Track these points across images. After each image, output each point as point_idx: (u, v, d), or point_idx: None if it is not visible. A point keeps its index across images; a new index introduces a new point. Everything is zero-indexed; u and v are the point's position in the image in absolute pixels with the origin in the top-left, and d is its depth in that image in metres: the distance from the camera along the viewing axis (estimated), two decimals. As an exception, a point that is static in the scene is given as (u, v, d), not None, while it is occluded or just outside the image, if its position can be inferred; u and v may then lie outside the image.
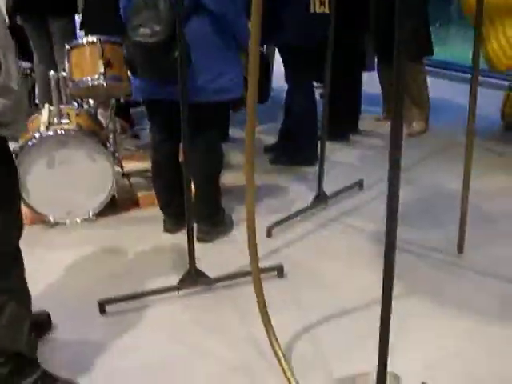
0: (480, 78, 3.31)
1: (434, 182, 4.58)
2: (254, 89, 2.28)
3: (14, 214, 2.38)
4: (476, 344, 2.86)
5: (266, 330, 2.66)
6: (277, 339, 2.66)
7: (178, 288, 3.20)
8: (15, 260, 2.41)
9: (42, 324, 2.93)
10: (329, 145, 4.32)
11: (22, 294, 2.45)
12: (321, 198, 4.17)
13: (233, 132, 5.47)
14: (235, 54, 3.57)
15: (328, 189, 4.22)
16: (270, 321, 2.66)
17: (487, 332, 2.94)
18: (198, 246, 3.21)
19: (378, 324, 1.96)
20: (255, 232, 2.57)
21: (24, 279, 2.46)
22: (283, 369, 2.58)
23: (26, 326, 2.43)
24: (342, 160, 5.00)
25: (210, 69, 3.39)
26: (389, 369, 2.06)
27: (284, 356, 2.63)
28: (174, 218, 3.88)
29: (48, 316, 2.99)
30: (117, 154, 4.29)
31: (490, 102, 5.47)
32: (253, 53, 2.22)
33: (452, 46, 9.52)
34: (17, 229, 2.40)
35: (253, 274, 2.63)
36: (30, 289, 2.48)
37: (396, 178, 1.76)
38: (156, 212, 4.01)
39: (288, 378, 2.54)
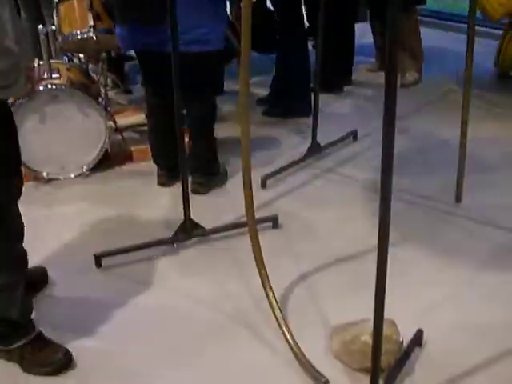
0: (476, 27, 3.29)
1: (429, 131, 4.57)
2: (248, 40, 2.25)
3: (7, 179, 2.28)
4: (473, 290, 2.88)
5: (262, 281, 2.67)
6: (272, 289, 2.67)
7: (173, 240, 3.21)
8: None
9: (38, 280, 2.93)
10: (322, 96, 4.29)
11: (13, 258, 2.39)
12: (314, 149, 4.16)
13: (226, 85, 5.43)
14: (217, 8, 3.49)
15: (322, 140, 4.21)
16: (265, 272, 2.67)
17: (484, 279, 2.96)
18: (192, 198, 3.21)
19: (373, 272, 1.97)
20: (251, 182, 2.57)
21: (14, 239, 2.40)
22: (277, 319, 2.60)
23: (18, 292, 2.41)
24: (335, 111, 4.98)
25: (184, 20, 3.27)
26: (385, 315, 2.08)
27: (279, 307, 2.64)
28: (169, 171, 3.88)
29: (44, 271, 2.99)
30: (109, 109, 4.26)
31: (483, 50, 5.42)
32: (245, 3, 2.20)
33: (445, -4, 9.42)
34: (9, 194, 2.31)
35: (248, 225, 2.63)
36: (24, 246, 2.46)
37: (391, 131, 1.75)
38: (150, 166, 4.00)
39: (281, 328, 2.57)
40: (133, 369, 2.49)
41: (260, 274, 2.66)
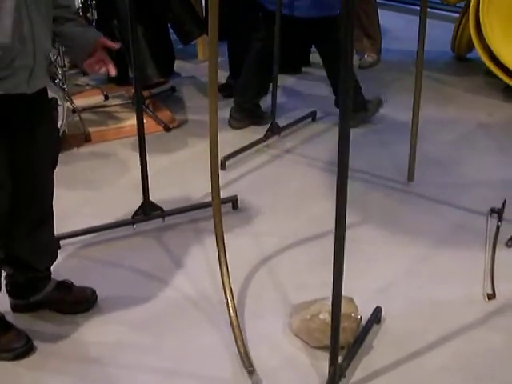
0: (431, 11, 3.32)
1: (386, 112, 4.60)
2: (215, 22, 2.25)
3: None
4: (430, 267, 2.94)
5: (220, 265, 2.65)
6: (228, 272, 2.64)
7: (132, 221, 3.20)
8: None
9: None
10: (281, 77, 4.30)
11: None
12: (274, 130, 4.16)
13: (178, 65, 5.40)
14: None
15: (281, 121, 4.22)
16: (225, 255, 2.65)
17: (440, 255, 3.02)
18: (152, 179, 3.20)
19: (332, 251, 1.99)
20: (217, 162, 2.56)
21: None
22: (227, 304, 2.58)
23: None
24: (294, 92, 4.98)
25: None
26: (344, 294, 2.10)
27: (231, 289, 2.61)
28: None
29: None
30: (66, 90, 4.21)
31: (441, 34, 5.48)
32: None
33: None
34: None
35: (213, 206, 2.62)
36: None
37: (347, 111, 1.77)
38: (108, 147, 3.98)
39: (228, 313, 2.55)
40: (93, 354, 2.49)
41: (218, 256, 2.65)
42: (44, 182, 2.46)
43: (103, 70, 2.46)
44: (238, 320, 2.52)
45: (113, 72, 2.43)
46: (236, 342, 2.45)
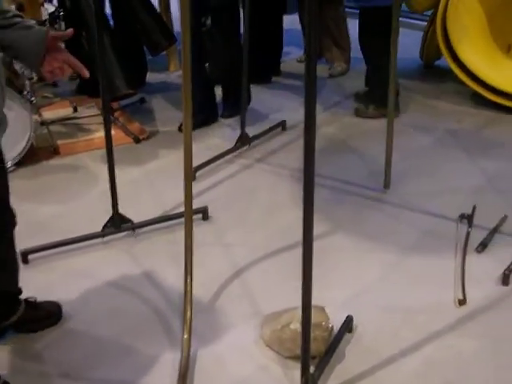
0: (400, 19, 3.34)
1: (358, 120, 4.63)
2: (187, 31, 2.24)
3: None
4: (400, 275, 2.94)
5: (185, 274, 2.61)
6: (192, 284, 2.60)
7: (101, 234, 3.17)
8: None
9: None
10: (251, 87, 4.30)
11: None
12: (244, 140, 4.16)
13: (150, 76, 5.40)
14: None
15: (251, 131, 4.22)
16: (191, 264, 2.62)
17: (411, 263, 3.02)
18: (122, 191, 3.17)
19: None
20: (191, 172, 2.53)
21: None
22: (185, 319, 2.54)
23: None
24: (264, 102, 4.98)
25: None
26: (315, 303, 2.09)
27: (191, 304, 2.57)
28: None
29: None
30: (34, 102, 4.18)
31: (409, 42, 5.52)
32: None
33: (371, -13, 9.50)
34: None
35: (185, 216, 2.59)
36: None
37: (312, 118, 1.76)
38: (78, 160, 3.96)
39: (184, 336, 2.50)
40: (60, 370, 2.45)
41: (185, 266, 2.61)
42: None
43: (67, 73, 2.09)
44: (190, 337, 2.49)
45: (85, 73, 2.09)
46: (180, 360, 2.41)
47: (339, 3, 5.51)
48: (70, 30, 2.09)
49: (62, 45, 2.15)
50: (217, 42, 4.41)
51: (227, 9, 4.37)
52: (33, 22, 2.11)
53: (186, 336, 2.48)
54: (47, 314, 2.65)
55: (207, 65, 4.62)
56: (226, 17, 4.41)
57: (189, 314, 2.54)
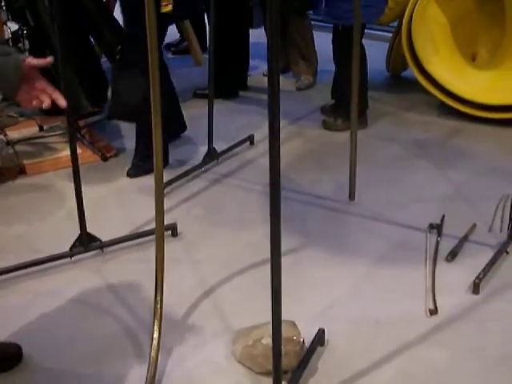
0: (365, 31, 3.37)
1: (323, 132, 4.65)
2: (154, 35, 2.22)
3: None
4: (370, 286, 2.95)
5: (156, 294, 2.57)
6: (162, 303, 2.56)
7: (69, 254, 3.13)
8: None
9: None
10: (217, 101, 4.29)
11: None
12: (212, 155, 4.14)
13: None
14: None
15: (218, 145, 4.20)
16: (162, 286, 2.58)
17: (380, 274, 3.03)
18: (90, 210, 3.14)
19: (271, 276, 1.97)
20: (162, 191, 2.51)
21: None
22: (153, 338, 2.50)
23: None
24: (231, 116, 4.97)
25: None
26: (286, 317, 2.08)
27: (160, 322, 2.54)
28: None
29: None
30: (-1, 122, 4.14)
31: (376, 53, 5.55)
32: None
33: (337, 0, 9.56)
34: None
35: (156, 234, 2.56)
36: None
37: (276, 130, 1.76)
38: (44, 179, 3.90)
39: (151, 354, 2.46)
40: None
41: (156, 284, 2.58)
42: None
43: (46, 104, 1.95)
44: (157, 355, 2.45)
45: (62, 103, 1.97)
46: (147, 377, 2.38)
47: (305, 17, 5.54)
48: (50, 59, 1.99)
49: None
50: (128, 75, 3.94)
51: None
52: (12, 49, 2.04)
53: (153, 354, 2.44)
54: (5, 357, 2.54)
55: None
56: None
57: (156, 333, 2.50)
